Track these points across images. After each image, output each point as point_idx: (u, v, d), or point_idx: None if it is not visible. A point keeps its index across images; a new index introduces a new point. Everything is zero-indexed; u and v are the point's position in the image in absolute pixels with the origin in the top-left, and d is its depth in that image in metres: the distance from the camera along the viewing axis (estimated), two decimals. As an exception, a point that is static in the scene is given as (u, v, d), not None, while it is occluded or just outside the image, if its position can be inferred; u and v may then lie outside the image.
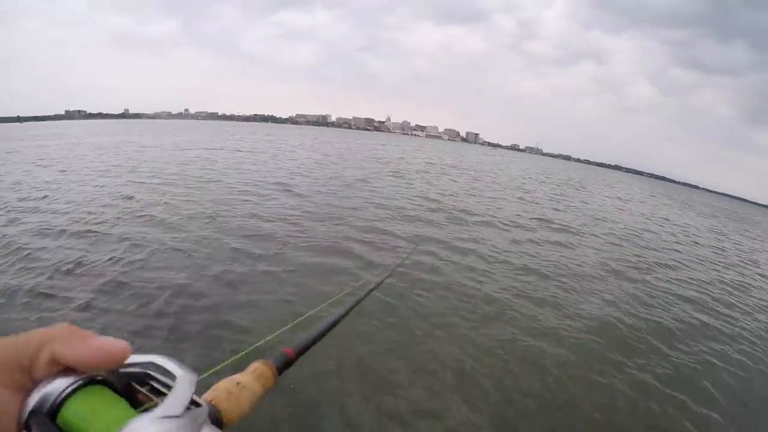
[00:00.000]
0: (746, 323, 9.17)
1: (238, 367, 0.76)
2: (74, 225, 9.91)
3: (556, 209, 21.21)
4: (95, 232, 9.46)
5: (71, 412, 0.39)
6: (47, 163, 21.29)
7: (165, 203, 12.45)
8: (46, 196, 12.87)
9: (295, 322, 1.42)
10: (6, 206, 11.64)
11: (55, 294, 6.30)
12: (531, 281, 9.03)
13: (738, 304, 10.50)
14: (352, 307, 1.47)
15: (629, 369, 6.06)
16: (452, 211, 15.54)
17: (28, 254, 7.97)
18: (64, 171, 18.49)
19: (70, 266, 7.36)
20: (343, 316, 1.30)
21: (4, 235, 9.02)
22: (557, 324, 7.11)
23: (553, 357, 6.09)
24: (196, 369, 0.48)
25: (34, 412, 0.39)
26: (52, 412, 0.39)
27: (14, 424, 0.38)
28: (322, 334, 1.09)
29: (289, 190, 16.20)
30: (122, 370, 0.45)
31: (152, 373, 0.46)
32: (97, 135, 50.47)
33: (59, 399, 0.39)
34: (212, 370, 0.68)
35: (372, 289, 2.06)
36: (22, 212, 11.06)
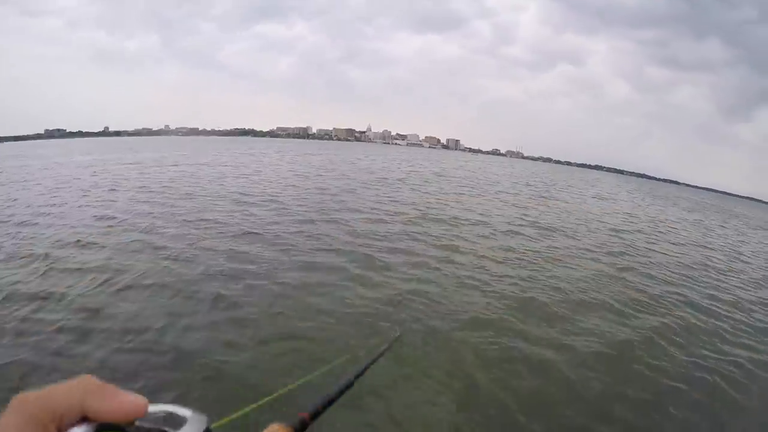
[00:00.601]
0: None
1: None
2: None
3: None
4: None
5: None
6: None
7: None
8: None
9: (305, 379, 1.56)
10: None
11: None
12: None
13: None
14: (368, 366, 1.50)
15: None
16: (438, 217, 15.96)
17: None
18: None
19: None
20: (358, 376, 1.33)
21: None
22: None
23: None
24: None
25: None
26: None
27: None
28: (337, 396, 1.12)
29: (286, 207, 16.34)
30: (137, 423, 0.48)
31: (167, 415, 0.50)
32: (87, 153, 50.10)
33: None
34: (222, 421, 0.69)
35: (386, 349, 2.14)
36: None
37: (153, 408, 0.48)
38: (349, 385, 1.21)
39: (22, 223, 12.77)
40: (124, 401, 0.46)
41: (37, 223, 12.66)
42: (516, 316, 7.86)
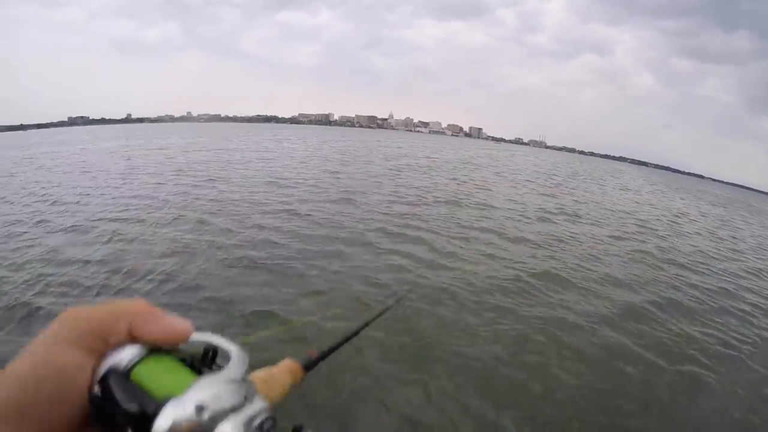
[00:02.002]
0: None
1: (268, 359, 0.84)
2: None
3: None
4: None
5: (143, 372, 0.44)
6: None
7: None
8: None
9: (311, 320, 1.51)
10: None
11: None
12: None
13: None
14: (373, 319, 1.56)
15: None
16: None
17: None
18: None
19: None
20: (364, 327, 1.39)
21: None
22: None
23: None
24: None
25: (111, 370, 0.43)
26: (125, 372, 0.43)
27: (87, 382, 0.42)
28: (341, 343, 1.16)
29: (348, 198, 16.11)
30: (181, 347, 0.49)
31: (212, 347, 0.50)
32: (111, 140, 50.86)
33: (133, 362, 0.44)
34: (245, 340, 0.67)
35: (390, 307, 2.19)
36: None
37: (198, 336, 0.51)
38: (353, 334, 1.29)
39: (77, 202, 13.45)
40: (171, 325, 0.47)
41: (89, 203, 13.30)
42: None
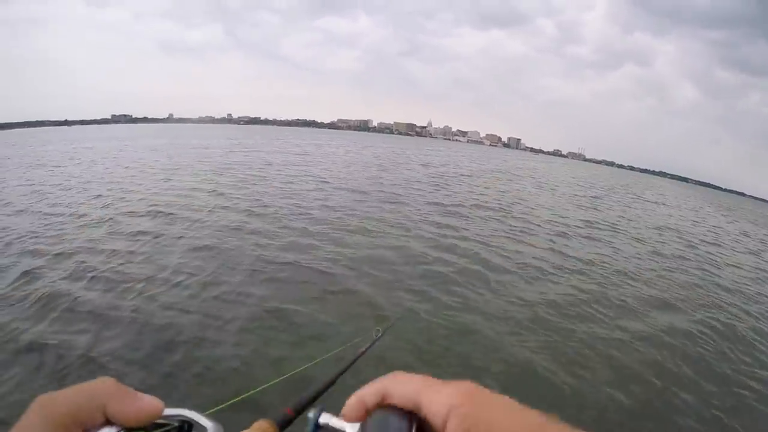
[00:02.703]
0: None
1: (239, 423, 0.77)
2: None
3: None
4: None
5: None
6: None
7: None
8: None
9: (292, 373, 1.81)
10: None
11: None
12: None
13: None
14: (352, 363, 1.53)
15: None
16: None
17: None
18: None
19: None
20: (341, 374, 1.34)
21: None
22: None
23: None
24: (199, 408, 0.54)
25: None
26: None
27: None
28: (320, 393, 1.13)
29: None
30: (158, 421, 0.49)
31: (187, 421, 0.51)
32: (158, 137, 52.02)
33: None
34: (213, 410, 0.73)
35: (373, 343, 2.20)
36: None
37: (172, 411, 0.51)
38: (331, 383, 1.23)
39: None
40: (143, 404, 0.48)
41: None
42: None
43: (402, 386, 0.52)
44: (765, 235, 30.76)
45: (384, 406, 0.52)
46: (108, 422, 0.45)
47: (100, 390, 0.46)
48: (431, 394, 0.50)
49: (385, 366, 5.37)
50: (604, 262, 11.76)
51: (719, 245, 19.36)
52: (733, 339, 8.08)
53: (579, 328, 7.22)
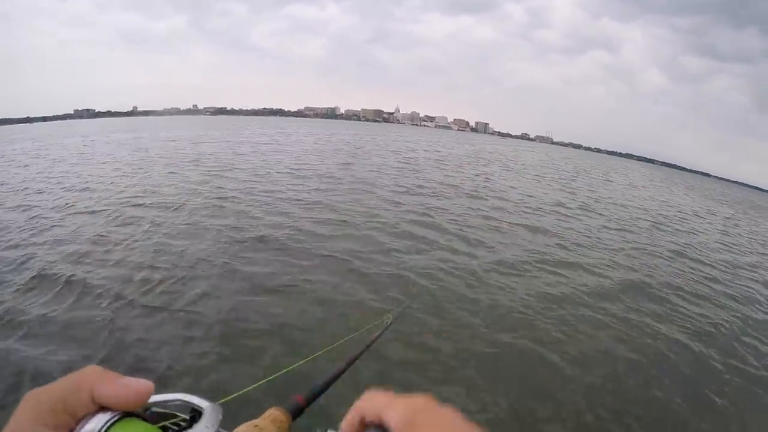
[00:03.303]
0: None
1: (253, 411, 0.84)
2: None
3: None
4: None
5: None
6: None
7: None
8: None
9: (300, 363, 1.63)
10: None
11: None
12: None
13: None
14: (363, 351, 1.54)
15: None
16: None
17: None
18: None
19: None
20: (351, 363, 1.36)
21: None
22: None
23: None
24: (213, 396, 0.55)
25: None
26: None
27: None
28: (331, 382, 1.15)
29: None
30: (154, 409, 0.50)
31: (181, 403, 0.51)
32: (126, 132, 51.55)
33: (103, 430, 0.43)
34: (223, 400, 0.69)
35: (382, 332, 2.18)
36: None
37: (167, 396, 0.51)
38: (342, 372, 1.25)
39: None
40: (131, 385, 0.47)
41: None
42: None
43: (370, 404, 0.56)
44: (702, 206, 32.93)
45: (373, 424, 0.54)
46: (102, 408, 0.45)
47: (86, 377, 0.46)
48: (389, 410, 0.53)
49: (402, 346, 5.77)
50: (578, 242, 12.28)
51: (682, 221, 20.52)
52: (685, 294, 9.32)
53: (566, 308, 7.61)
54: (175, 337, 5.53)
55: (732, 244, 16.86)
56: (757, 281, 11.80)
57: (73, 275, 7.10)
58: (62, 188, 14.53)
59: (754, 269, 13.10)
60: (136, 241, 8.94)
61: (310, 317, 6.11)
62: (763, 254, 16.14)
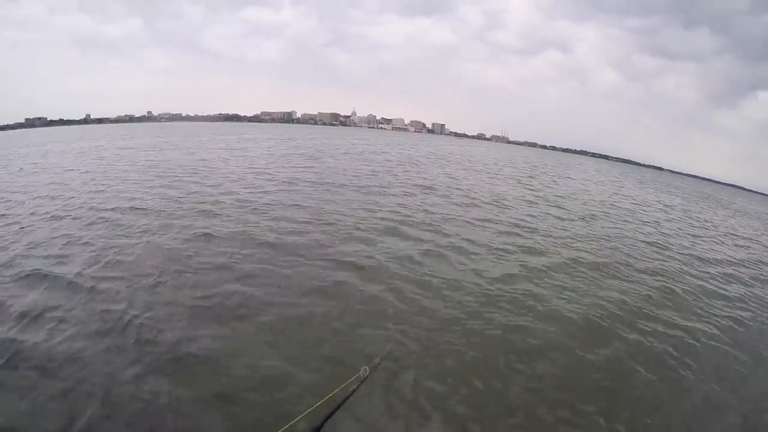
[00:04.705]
0: None
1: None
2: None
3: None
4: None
5: None
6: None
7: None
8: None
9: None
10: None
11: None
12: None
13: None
14: (338, 407, 1.68)
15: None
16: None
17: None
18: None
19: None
20: (328, 418, 1.48)
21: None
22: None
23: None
24: None
25: None
26: None
27: None
28: None
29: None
30: None
31: None
32: (82, 140, 50.83)
33: None
34: None
35: (355, 390, 2.42)
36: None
37: None
38: (318, 428, 1.27)
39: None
40: None
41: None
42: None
43: None
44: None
45: None
46: None
47: None
48: None
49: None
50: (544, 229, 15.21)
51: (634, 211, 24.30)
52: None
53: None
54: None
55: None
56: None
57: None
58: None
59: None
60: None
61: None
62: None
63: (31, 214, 13.16)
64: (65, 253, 9.92)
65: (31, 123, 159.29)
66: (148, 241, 10.72)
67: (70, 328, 6.89)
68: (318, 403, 3.11)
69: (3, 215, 13.18)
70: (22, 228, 11.83)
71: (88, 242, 10.62)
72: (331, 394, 3.49)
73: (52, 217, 12.81)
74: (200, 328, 7.11)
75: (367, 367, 4.08)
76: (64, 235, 11.23)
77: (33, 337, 6.60)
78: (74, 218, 12.67)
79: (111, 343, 6.57)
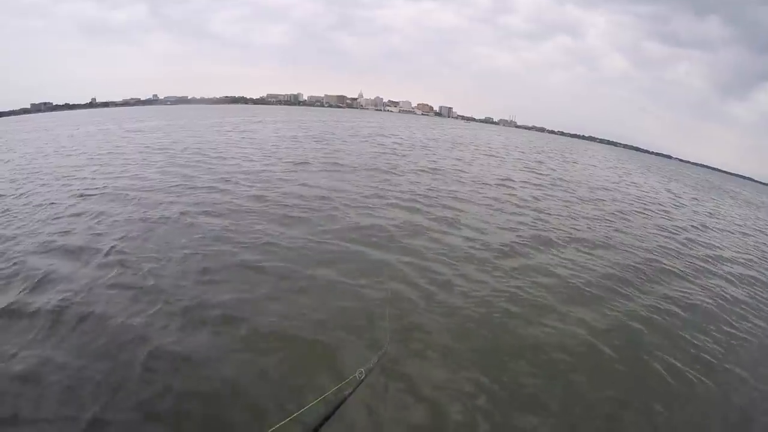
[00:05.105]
0: None
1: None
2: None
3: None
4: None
5: None
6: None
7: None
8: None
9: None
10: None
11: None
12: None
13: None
14: (335, 409, 1.68)
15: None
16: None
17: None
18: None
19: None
20: (327, 419, 1.45)
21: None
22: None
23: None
24: None
25: None
26: None
27: None
28: None
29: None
30: None
31: None
32: (92, 124, 51.15)
33: None
34: None
35: (354, 389, 2.40)
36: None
37: None
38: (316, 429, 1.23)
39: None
40: None
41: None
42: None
43: None
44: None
45: None
46: None
47: None
48: None
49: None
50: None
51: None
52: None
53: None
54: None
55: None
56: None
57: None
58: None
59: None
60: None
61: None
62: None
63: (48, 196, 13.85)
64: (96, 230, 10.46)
65: (37, 108, 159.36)
66: (168, 218, 11.13)
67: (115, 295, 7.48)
68: (307, 407, 3.04)
69: (24, 194, 13.75)
70: (40, 204, 12.33)
71: (117, 219, 11.13)
72: (321, 397, 3.40)
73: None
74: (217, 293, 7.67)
75: (363, 370, 3.84)
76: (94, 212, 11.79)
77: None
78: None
79: (139, 307, 7.11)
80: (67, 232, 10.38)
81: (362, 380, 3.27)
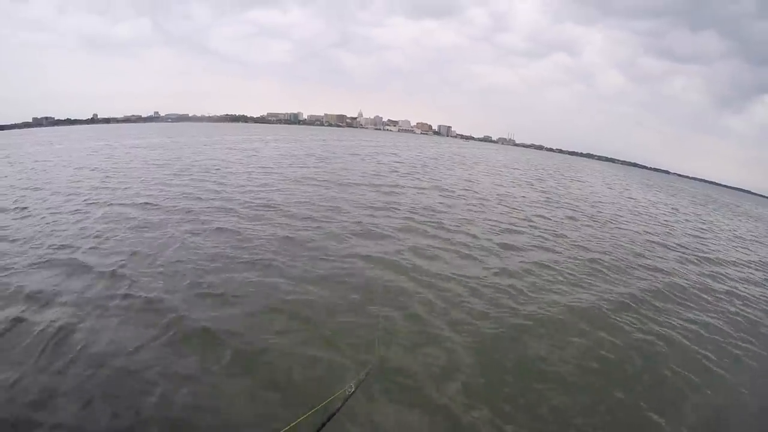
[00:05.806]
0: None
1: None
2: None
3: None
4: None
5: None
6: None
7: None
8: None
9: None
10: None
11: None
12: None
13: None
14: (324, 423, 1.71)
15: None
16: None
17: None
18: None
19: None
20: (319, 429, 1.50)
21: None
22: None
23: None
24: None
25: None
26: None
27: None
28: None
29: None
30: None
31: None
32: (97, 140, 51.04)
33: None
34: None
35: (341, 407, 2.39)
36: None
37: None
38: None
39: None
40: None
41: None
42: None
43: None
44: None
45: None
46: None
47: None
48: None
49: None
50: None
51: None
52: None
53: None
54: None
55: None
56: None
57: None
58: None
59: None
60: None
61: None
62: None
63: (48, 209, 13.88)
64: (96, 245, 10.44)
65: (38, 122, 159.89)
66: (172, 235, 11.14)
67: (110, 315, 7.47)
68: (296, 421, 3.03)
69: (24, 208, 14.12)
70: (43, 218, 12.39)
71: (118, 236, 11.10)
72: (311, 411, 3.37)
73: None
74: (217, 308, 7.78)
75: (352, 384, 3.90)
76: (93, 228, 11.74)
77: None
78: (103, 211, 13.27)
79: (138, 321, 7.27)
80: (69, 246, 10.56)
81: (351, 394, 3.26)
